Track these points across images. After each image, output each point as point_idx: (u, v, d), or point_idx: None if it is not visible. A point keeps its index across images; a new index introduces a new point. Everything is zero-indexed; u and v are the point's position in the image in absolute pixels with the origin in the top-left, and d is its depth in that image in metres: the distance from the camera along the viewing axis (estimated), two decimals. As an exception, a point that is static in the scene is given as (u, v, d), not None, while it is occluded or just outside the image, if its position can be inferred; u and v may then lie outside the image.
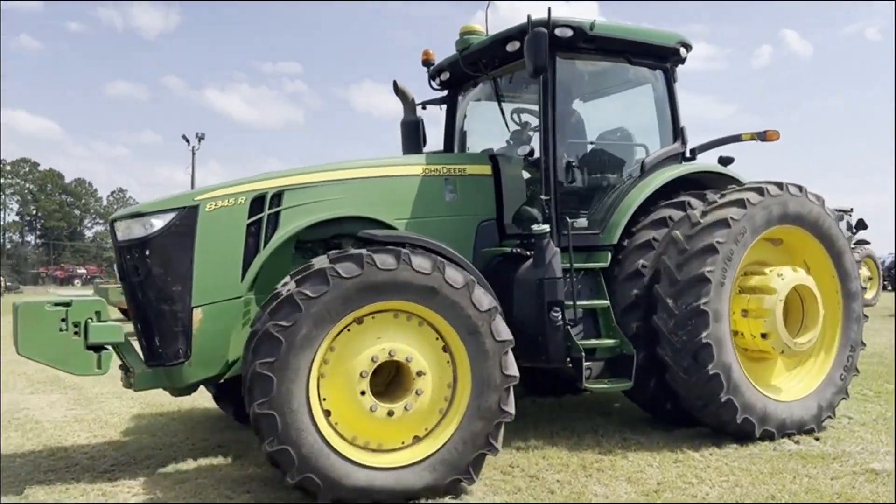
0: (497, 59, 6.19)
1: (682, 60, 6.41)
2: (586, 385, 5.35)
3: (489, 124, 6.80)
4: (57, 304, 4.57)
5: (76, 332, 4.57)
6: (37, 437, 6.25)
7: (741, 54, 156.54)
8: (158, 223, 4.93)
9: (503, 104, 6.54)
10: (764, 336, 5.60)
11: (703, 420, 5.58)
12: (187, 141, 41.18)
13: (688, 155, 6.46)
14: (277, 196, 5.21)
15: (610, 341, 5.54)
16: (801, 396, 5.77)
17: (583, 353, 5.28)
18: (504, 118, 6.50)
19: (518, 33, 5.71)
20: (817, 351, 6.03)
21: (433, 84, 6.94)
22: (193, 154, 41.04)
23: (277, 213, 5.19)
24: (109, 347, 4.70)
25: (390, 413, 4.27)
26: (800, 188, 5.87)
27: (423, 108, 7.07)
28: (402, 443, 4.38)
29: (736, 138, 6.40)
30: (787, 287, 5.64)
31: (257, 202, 5.15)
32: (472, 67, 6.34)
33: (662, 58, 6.30)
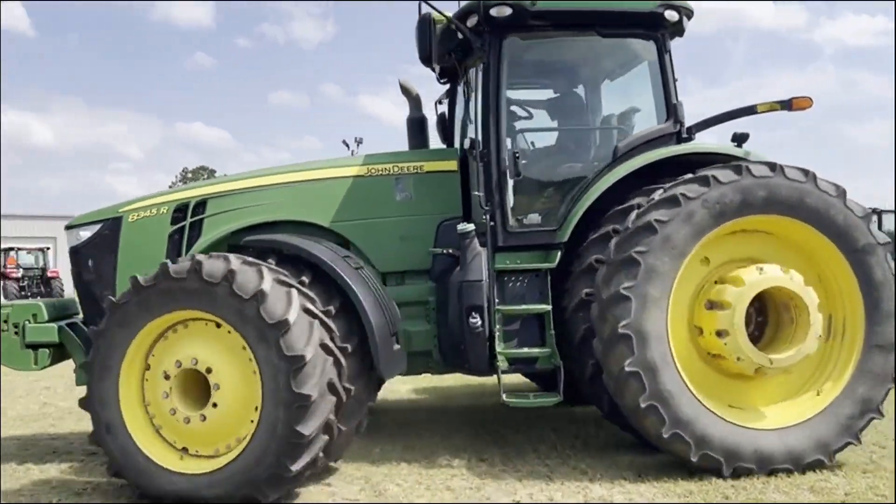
0: (459, 48, 5.76)
1: (679, 29, 5.59)
2: (504, 399, 4.93)
3: None
4: None
5: (16, 332, 5.20)
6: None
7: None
8: (86, 234, 5.63)
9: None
10: (720, 334, 4.65)
11: (641, 432, 4.83)
12: (347, 145, 41.48)
13: (686, 135, 5.56)
14: (201, 204, 5.53)
15: (536, 350, 5.06)
16: (778, 427, 4.70)
17: (506, 364, 4.96)
18: (468, 109, 5.93)
19: (460, 17, 5.43)
20: (818, 377, 4.93)
21: (438, 79, 6.65)
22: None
23: (200, 221, 5.50)
24: (48, 347, 5.24)
25: (187, 420, 4.32)
26: (805, 172, 4.82)
27: (440, 103, 6.79)
28: (217, 450, 4.34)
29: (749, 110, 5.36)
30: (761, 283, 4.66)
31: (180, 211, 5.54)
32: (444, 59, 5.95)
33: (649, 27, 5.49)
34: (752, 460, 4.56)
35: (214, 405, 4.26)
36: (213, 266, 4.21)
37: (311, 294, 4.40)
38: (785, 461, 4.59)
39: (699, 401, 4.62)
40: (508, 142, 5.46)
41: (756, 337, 4.88)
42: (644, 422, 4.60)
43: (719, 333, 4.66)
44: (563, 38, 5.67)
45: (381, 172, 5.59)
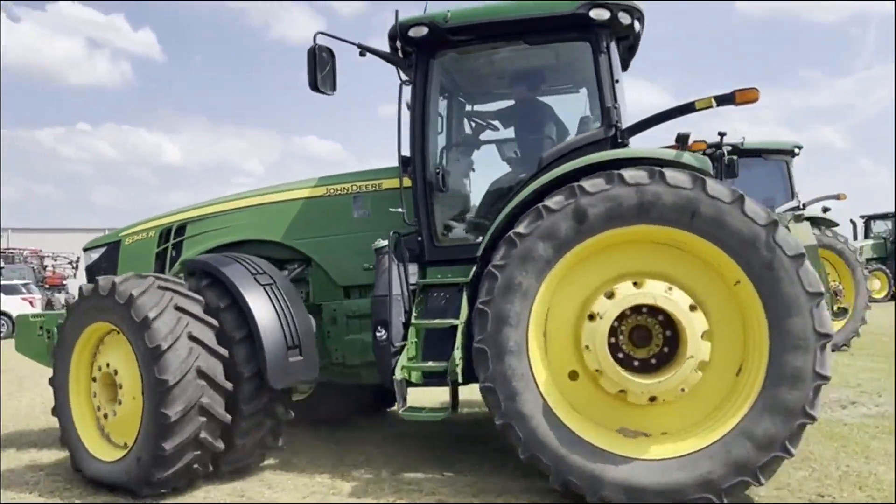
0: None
1: (621, 28, 5.15)
2: (401, 413, 4.89)
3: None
4: (36, 316, 6.53)
5: (48, 337, 6.27)
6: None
7: None
8: (95, 255, 6.81)
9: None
10: (587, 348, 4.38)
11: None
12: None
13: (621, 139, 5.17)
14: (181, 227, 6.34)
15: (437, 364, 4.90)
16: (661, 458, 4.25)
17: (419, 377, 4.92)
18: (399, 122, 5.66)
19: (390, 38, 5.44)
20: (723, 408, 4.35)
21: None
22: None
23: (181, 242, 6.27)
24: None
25: (106, 415, 5.17)
26: (693, 177, 4.31)
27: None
28: (125, 443, 5.01)
29: (686, 108, 4.89)
30: (631, 299, 4.33)
31: (164, 234, 6.40)
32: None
33: (578, 29, 5.14)
34: (618, 490, 4.20)
35: (119, 402, 5.03)
36: (107, 282, 5.01)
37: (198, 297, 4.99)
38: (660, 496, 4.16)
39: (564, 424, 4.35)
40: (438, 157, 5.48)
41: (667, 357, 4.43)
42: (508, 439, 4.46)
43: (587, 347, 4.40)
44: (494, 49, 5.52)
45: (339, 192, 5.85)
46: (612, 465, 4.24)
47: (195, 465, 4.83)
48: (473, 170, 5.86)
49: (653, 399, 4.31)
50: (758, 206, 4.28)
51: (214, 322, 4.92)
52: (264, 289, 5.11)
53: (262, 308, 5.00)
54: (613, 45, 5.19)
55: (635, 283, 4.37)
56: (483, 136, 6.09)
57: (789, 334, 4.15)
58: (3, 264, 31.01)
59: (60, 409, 5.38)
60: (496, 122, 6.15)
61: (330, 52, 5.21)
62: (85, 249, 6.99)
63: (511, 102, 6.16)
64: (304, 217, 5.88)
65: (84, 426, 5.29)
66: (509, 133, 6.04)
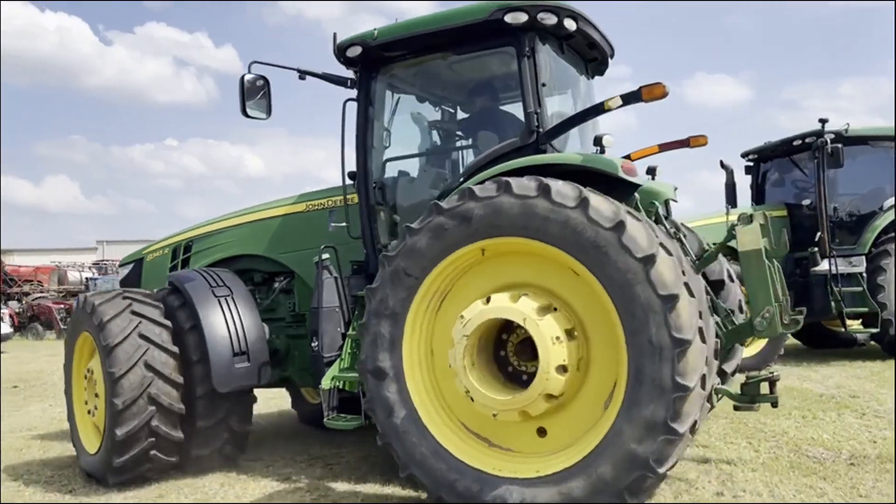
0: None
1: (541, 29, 4.97)
2: (325, 421, 5.01)
3: None
4: None
5: None
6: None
7: None
8: (125, 271, 7.58)
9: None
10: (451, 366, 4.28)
11: None
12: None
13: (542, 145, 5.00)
14: (189, 245, 6.88)
15: (348, 374, 5.02)
16: (530, 476, 4.08)
17: (330, 387, 4.99)
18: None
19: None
20: (590, 420, 4.09)
21: None
22: None
23: (188, 258, 6.81)
24: None
25: (90, 411, 5.68)
26: (539, 184, 4.11)
27: None
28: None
29: (597, 109, 4.83)
30: (483, 315, 4.13)
31: (175, 251, 6.96)
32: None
33: (501, 35, 5.02)
34: (455, 495, 4.15)
35: (97, 395, 5.50)
36: (83, 297, 5.68)
37: (157, 304, 5.56)
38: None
39: (437, 441, 4.31)
40: (380, 171, 5.60)
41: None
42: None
43: (450, 366, 4.27)
44: (428, 61, 5.55)
45: (316, 207, 6.08)
46: (484, 484, 4.13)
47: (153, 452, 5.21)
48: (415, 182, 5.80)
49: (526, 415, 4.10)
50: (606, 207, 3.99)
51: (168, 323, 5.42)
52: (218, 300, 5.53)
53: (212, 317, 5.41)
54: (547, 48, 5.12)
55: (487, 301, 4.20)
56: (427, 148, 6.08)
57: (644, 341, 3.80)
58: (97, 275, 32.54)
59: (69, 412, 6.05)
60: (442, 133, 6.15)
61: (265, 79, 5.43)
62: (120, 265, 7.83)
63: (453, 113, 6.15)
64: (287, 232, 6.23)
65: (82, 424, 5.89)
66: (452, 143, 6.10)
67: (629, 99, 4.61)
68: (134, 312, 5.35)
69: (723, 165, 12.42)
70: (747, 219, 4.65)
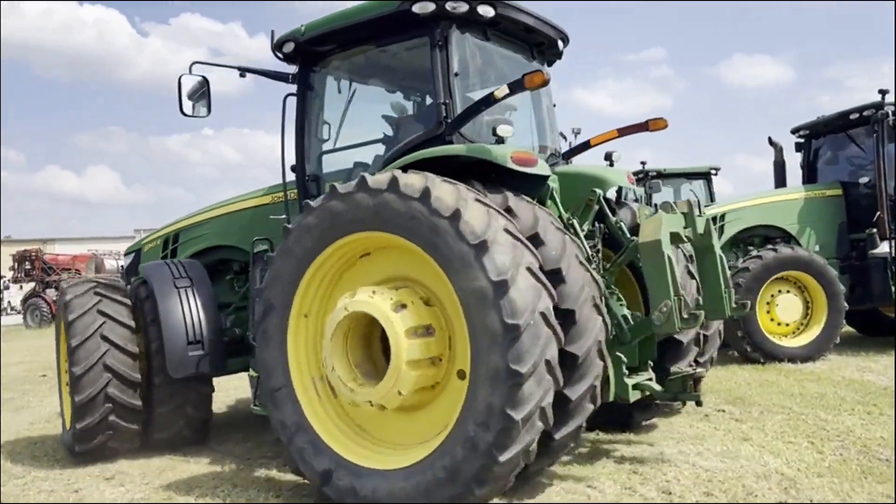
0: None
1: (453, 18, 4.93)
2: (251, 407, 5.29)
3: None
4: None
5: None
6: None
7: None
8: (127, 260, 7.85)
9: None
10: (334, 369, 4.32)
11: None
12: (564, 137, 41.33)
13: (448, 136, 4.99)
14: (175, 236, 7.11)
15: None
16: (390, 469, 4.11)
17: (254, 374, 5.04)
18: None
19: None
20: (449, 410, 4.08)
21: None
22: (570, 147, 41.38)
23: (176, 248, 7.07)
24: None
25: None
26: (391, 178, 4.14)
27: None
28: None
29: (488, 100, 4.80)
30: (347, 307, 4.20)
31: (165, 242, 7.20)
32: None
33: (414, 25, 5.04)
34: (349, 498, 4.14)
35: None
36: (62, 288, 6.14)
37: (125, 302, 5.85)
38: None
39: (318, 435, 4.39)
40: (316, 164, 5.73)
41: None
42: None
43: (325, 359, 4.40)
44: (356, 54, 5.67)
45: (280, 199, 6.08)
46: (359, 477, 4.15)
47: (112, 418, 5.53)
48: (348, 175, 5.68)
49: (383, 406, 4.18)
50: (447, 196, 3.97)
51: (127, 301, 5.88)
52: (178, 291, 5.85)
53: (170, 307, 5.75)
54: (467, 37, 5.11)
55: (352, 294, 4.25)
56: (360, 140, 5.98)
57: (479, 328, 3.80)
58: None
59: (59, 393, 6.42)
60: (376, 125, 6.01)
61: (204, 79, 5.60)
62: (125, 254, 8.01)
63: (384, 104, 6.07)
64: (257, 223, 6.27)
65: (65, 402, 6.11)
66: (381, 135, 5.89)
67: (514, 87, 4.61)
68: (96, 293, 5.83)
69: (771, 142, 11.70)
70: (669, 207, 4.71)
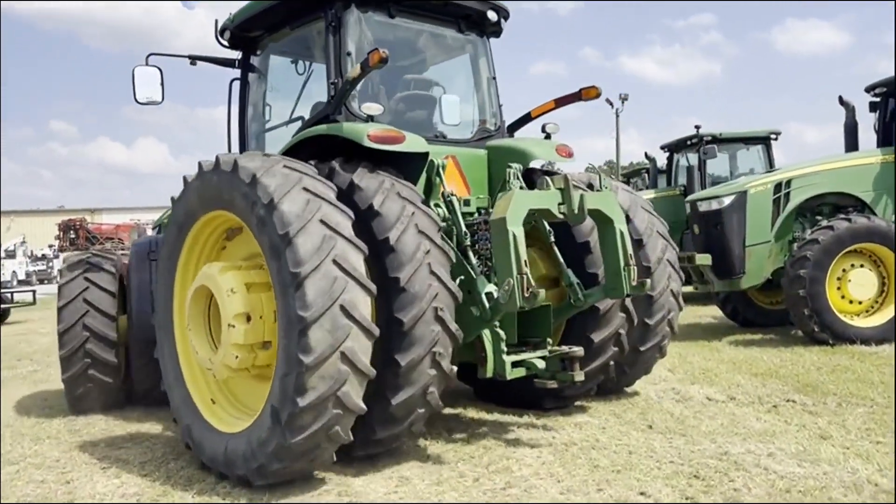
0: None
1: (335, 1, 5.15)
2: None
3: None
4: None
5: None
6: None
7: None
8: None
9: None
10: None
11: None
12: (611, 104, 40.73)
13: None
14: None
15: None
16: (231, 432, 4.37)
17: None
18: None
19: None
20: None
21: None
22: (617, 116, 40.44)
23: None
24: None
25: None
26: (233, 159, 4.24)
27: None
28: None
29: (354, 80, 4.93)
30: (198, 280, 4.55)
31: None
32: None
33: (314, 6, 5.30)
34: (222, 465, 4.30)
35: None
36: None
37: (110, 271, 6.62)
38: (224, 466, 4.28)
39: (191, 397, 4.70)
40: (257, 145, 6.03)
41: None
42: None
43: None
44: (281, 37, 5.83)
45: None
46: (214, 441, 4.39)
47: (91, 372, 6.36)
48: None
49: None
50: (273, 182, 4.03)
51: (112, 270, 6.65)
52: (150, 263, 6.26)
53: (141, 277, 6.38)
54: (370, 16, 5.25)
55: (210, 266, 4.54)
56: (288, 119, 6.02)
57: (282, 316, 3.95)
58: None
59: None
60: (304, 106, 6.03)
61: (158, 69, 5.82)
62: (153, 228, 8.74)
63: (311, 85, 6.05)
64: None
65: None
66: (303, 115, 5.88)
67: (364, 66, 4.69)
68: (88, 263, 6.63)
69: (842, 102, 10.63)
70: (544, 183, 4.65)
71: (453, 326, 4.36)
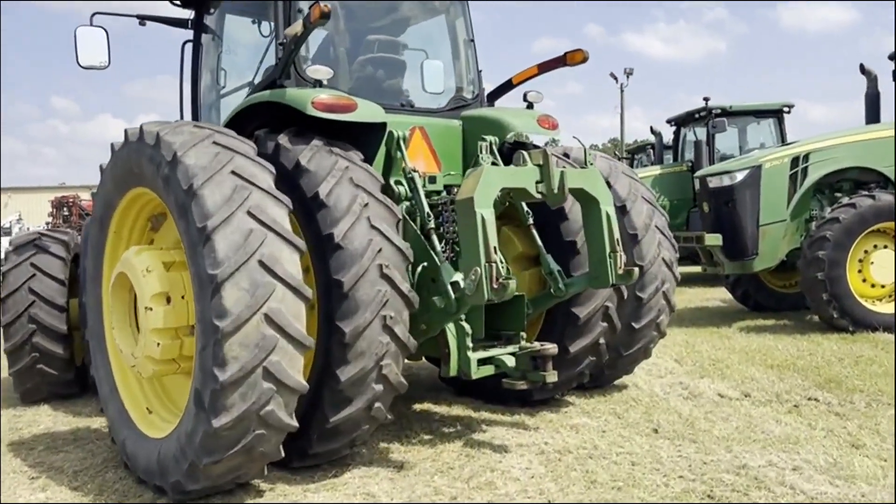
0: None
1: None
2: None
3: None
4: None
5: None
6: None
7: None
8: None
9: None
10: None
11: None
12: (615, 78, 40.17)
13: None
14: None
15: None
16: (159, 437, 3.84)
17: None
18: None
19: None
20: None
21: None
22: (622, 91, 39.90)
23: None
24: None
25: None
26: (156, 137, 3.65)
27: None
28: None
29: (296, 42, 4.35)
30: (118, 268, 4.00)
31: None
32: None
33: None
34: (157, 476, 3.71)
35: None
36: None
37: (58, 254, 6.09)
38: (146, 474, 3.83)
39: (126, 409, 4.17)
40: (208, 112, 5.58)
41: None
42: None
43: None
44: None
45: None
46: (142, 448, 3.90)
47: (40, 366, 5.91)
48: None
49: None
50: (194, 165, 3.45)
51: (63, 255, 6.12)
52: None
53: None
54: None
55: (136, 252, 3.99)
56: (238, 86, 5.49)
57: (199, 319, 3.40)
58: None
59: None
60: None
61: (103, 29, 5.29)
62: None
63: (252, 53, 5.56)
64: None
65: None
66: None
67: (306, 22, 4.13)
68: (35, 245, 6.07)
69: (863, 71, 9.90)
70: (521, 158, 4.11)
71: (405, 337, 3.88)
